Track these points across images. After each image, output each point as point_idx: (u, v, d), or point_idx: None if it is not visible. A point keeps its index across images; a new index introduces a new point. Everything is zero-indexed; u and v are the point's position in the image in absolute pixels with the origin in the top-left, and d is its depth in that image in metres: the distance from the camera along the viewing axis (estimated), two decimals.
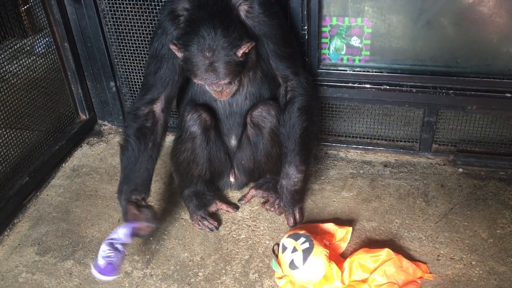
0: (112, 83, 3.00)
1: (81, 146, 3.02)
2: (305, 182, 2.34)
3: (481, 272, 2.08)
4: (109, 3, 2.69)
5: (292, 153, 2.20)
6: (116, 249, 1.97)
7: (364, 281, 2.00)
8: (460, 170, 2.64)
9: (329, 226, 2.28)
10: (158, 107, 2.25)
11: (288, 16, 2.46)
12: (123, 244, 2.01)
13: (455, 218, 2.35)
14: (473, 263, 2.13)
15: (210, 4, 2.05)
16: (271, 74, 2.28)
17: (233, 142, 2.42)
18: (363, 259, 2.04)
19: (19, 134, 2.66)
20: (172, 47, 2.04)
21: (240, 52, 2.01)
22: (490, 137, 2.67)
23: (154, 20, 2.67)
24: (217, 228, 2.38)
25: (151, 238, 2.31)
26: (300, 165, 2.21)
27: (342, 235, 2.24)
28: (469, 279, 2.06)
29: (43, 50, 2.86)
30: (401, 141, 2.80)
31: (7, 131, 2.57)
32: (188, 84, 2.33)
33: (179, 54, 2.05)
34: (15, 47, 2.63)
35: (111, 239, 2.00)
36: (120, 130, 3.12)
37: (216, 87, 2.11)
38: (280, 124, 2.25)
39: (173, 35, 2.12)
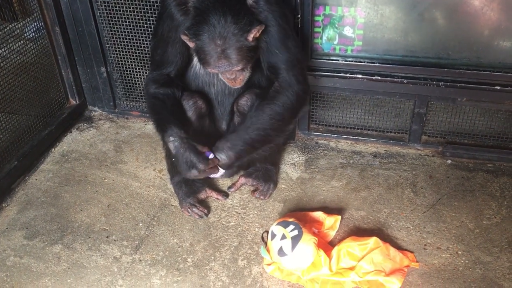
0: (103, 69, 2.97)
1: (71, 132, 3.00)
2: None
3: (467, 261, 2.11)
4: None
5: (238, 134, 2.14)
6: None
7: (351, 268, 2.02)
8: (449, 161, 2.67)
9: (318, 215, 2.29)
10: (171, 75, 2.29)
11: None
12: None
13: (443, 209, 2.37)
14: (459, 252, 2.15)
15: None
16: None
17: (223, 128, 2.42)
18: (351, 247, 2.05)
19: (8, 118, 2.63)
20: (184, 37, 2.05)
21: (250, 37, 2.02)
22: (479, 129, 2.69)
23: (146, 5, 2.64)
24: (206, 215, 2.38)
25: None
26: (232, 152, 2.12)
27: (331, 224, 2.25)
28: (455, 268, 2.09)
29: (33, 34, 2.82)
30: (391, 132, 2.81)
31: None
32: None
33: (191, 44, 2.06)
34: (5, 30, 2.59)
35: None
36: (111, 116, 3.12)
37: (230, 75, 2.12)
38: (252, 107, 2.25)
39: (180, 21, 2.11)
